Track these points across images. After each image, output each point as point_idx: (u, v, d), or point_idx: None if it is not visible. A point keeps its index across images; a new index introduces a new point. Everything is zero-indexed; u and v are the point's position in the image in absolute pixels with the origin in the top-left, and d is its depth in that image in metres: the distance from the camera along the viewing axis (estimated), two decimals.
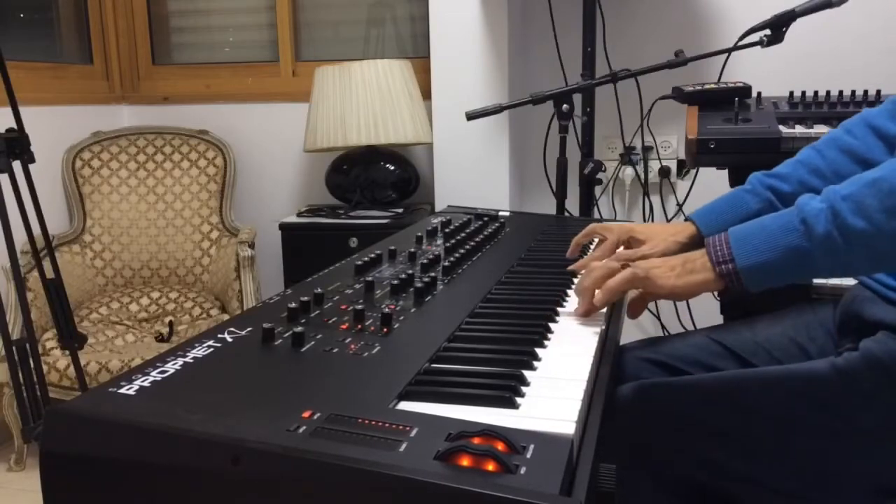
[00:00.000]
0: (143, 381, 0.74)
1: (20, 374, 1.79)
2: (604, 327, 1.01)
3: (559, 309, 1.07)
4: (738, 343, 1.23)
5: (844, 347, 1.09)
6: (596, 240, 1.38)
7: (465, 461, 0.61)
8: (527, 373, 0.82)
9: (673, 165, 2.78)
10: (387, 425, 0.67)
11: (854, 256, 0.87)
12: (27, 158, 1.86)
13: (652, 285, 0.98)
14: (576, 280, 1.22)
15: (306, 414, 0.68)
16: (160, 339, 2.55)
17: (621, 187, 2.86)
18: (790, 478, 1.02)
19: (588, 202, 2.17)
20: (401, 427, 0.67)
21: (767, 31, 1.80)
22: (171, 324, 2.61)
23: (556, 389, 0.79)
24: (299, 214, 2.83)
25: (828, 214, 0.87)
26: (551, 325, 0.99)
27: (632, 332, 2.80)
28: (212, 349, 0.84)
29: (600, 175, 2.17)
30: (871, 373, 0.99)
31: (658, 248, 1.21)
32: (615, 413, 1.07)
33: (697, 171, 2.61)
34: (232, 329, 0.91)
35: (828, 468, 1.00)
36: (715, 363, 1.23)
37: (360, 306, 0.96)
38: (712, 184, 2.37)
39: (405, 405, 0.74)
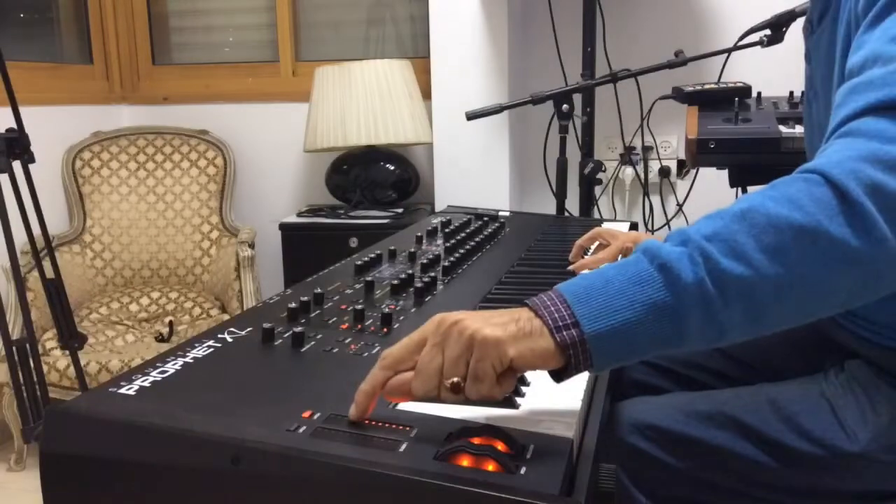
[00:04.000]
0: (143, 381, 0.74)
1: (20, 374, 1.79)
2: None
3: None
4: (734, 346, 1.22)
5: (831, 368, 1.07)
6: (597, 243, 1.38)
7: (464, 461, 0.61)
8: (527, 373, 0.82)
9: (673, 165, 2.78)
10: (386, 425, 0.67)
11: (730, 311, 0.67)
12: (27, 158, 1.86)
13: (481, 344, 0.68)
14: None
15: (306, 414, 0.68)
16: (160, 339, 2.55)
17: (621, 187, 2.85)
18: (782, 496, 1.02)
19: (588, 202, 2.17)
20: (400, 427, 0.67)
21: (767, 31, 1.80)
22: (171, 324, 2.61)
23: (556, 390, 0.79)
24: (299, 214, 2.83)
25: (694, 258, 0.67)
26: None
27: None
28: (212, 349, 0.84)
29: (600, 175, 2.17)
30: (856, 403, 0.99)
31: None
32: (611, 428, 1.06)
33: (697, 171, 2.61)
34: (232, 329, 0.91)
35: (821, 487, 1.00)
36: (710, 365, 1.23)
37: (360, 306, 0.96)
38: (712, 184, 2.37)
39: (405, 405, 0.74)
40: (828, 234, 0.67)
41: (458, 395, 0.67)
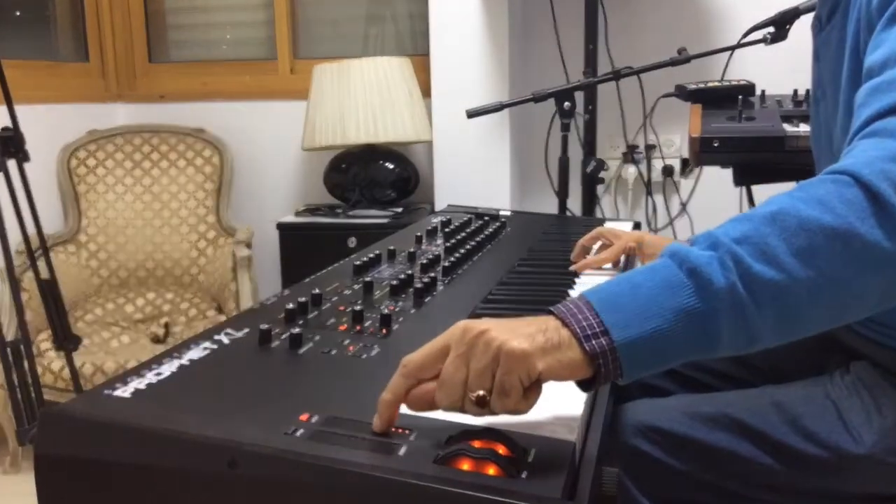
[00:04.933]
0: (138, 384, 0.73)
1: (14, 376, 1.78)
2: None
3: None
4: None
5: (836, 369, 1.07)
6: (599, 243, 1.37)
7: (465, 465, 0.61)
8: None
9: (676, 164, 2.78)
10: None
11: (762, 317, 0.67)
12: (22, 157, 1.86)
13: (508, 362, 0.65)
14: (577, 281, 1.21)
15: (304, 417, 0.67)
16: (156, 340, 2.54)
17: (624, 186, 2.85)
18: (787, 496, 1.02)
19: (590, 201, 2.17)
20: (400, 430, 0.66)
21: (771, 29, 1.79)
22: (166, 325, 2.60)
23: (558, 393, 0.77)
24: (297, 214, 2.83)
25: (725, 262, 0.66)
26: None
27: None
28: (208, 351, 0.83)
29: (603, 174, 2.16)
30: (861, 404, 0.99)
31: None
32: (614, 429, 1.05)
33: (701, 169, 2.60)
34: (228, 330, 0.90)
35: (825, 490, 1.00)
36: (714, 367, 1.23)
37: (358, 307, 0.95)
38: (716, 182, 2.37)
39: (405, 408, 0.72)
40: (860, 236, 0.66)
41: (483, 408, 0.65)
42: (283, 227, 2.69)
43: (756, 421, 1.02)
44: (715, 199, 2.48)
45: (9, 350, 1.78)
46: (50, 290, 1.90)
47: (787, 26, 1.78)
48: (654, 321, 0.65)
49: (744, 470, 1.01)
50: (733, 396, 1.09)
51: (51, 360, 2.32)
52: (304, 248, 2.66)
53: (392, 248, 1.32)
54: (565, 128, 1.96)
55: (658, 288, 0.66)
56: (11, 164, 1.84)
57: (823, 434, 0.98)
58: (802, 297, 0.67)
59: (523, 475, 0.60)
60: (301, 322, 0.94)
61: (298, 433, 0.64)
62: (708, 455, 1.02)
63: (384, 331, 0.92)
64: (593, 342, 0.65)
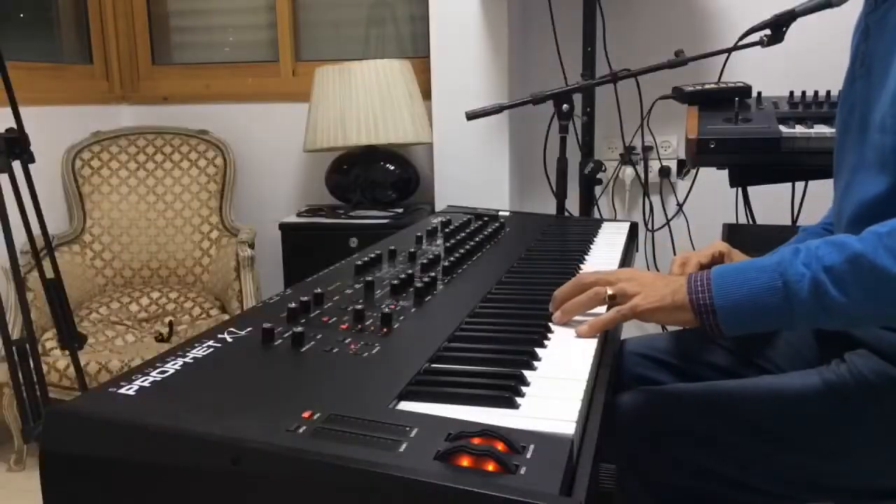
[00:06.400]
0: (142, 382, 0.74)
1: (20, 375, 1.78)
2: None
3: None
4: (734, 341, 1.23)
5: (832, 360, 1.08)
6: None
7: (464, 461, 0.61)
8: (527, 373, 0.82)
9: (673, 165, 2.78)
10: (387, 425, 0.67)
11: (829, 321, 0.91)
12: (27, 158, 1.86)
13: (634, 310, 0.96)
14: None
15: (306, 414, 0.68)
16: (160, 339, 2.55)
17: (621, 187, 2.85)
18: (782, 485, 1.02)
19: (588, 202, 2.17)
20: (401, 427, 0.66)
21: (767, 31, 1.79)
22: (170, 324, 2.61)
23: (556, 389, 0.79)
24: (299, 214, 2.83)
25: (811, 284, 0.87)
26: (551, 324, 0.99)
27: (630, 330, 2.79)
28: (212, 349, 0.84)
29: (600, 175, 2.17)
30: (859, 390, 1.00)
31: None
32: (611, 420, 1.06)
33: (697, 171, 2.60)
34: (232, 329, 0.91)
35: (820, 477, 1.01)
36: (710, 359, 1.23)
37: (359, 306, 0.96)
38: (712, 184, 2.37)
39: (405, 405, 0.74)
40: None
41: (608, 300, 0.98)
42: (285, 228, 2.70)
43: (751, 409, 1.03)
44: (711, 200, 2.48)
45: (14, 349, 1.78)
46: (55, 290, 1.91)
47: (784, 28, 1.78)
48: (749, 318, 0.90)
49: (739, 458, 1.02)
50: (729, 386, 1.10)
51: (56, 359, 2.33)
52: (305, 248, 2.66)
53: (393, 248, 1.32)
54: (563, 129, 1.96)
55: (761, 289, 0.89)
56: (16, 166, 1.84)
57: (818, 423, 0.99)
58: (861, 318, 0.91)
59: (522, 471, 0.60)
60: (303, 321, 0.94)
61: (301, 430, 0.64)
62: (704, 444, 1.02)
63: (385, 329, 0.92)
64: (703, 317, 0.91)
